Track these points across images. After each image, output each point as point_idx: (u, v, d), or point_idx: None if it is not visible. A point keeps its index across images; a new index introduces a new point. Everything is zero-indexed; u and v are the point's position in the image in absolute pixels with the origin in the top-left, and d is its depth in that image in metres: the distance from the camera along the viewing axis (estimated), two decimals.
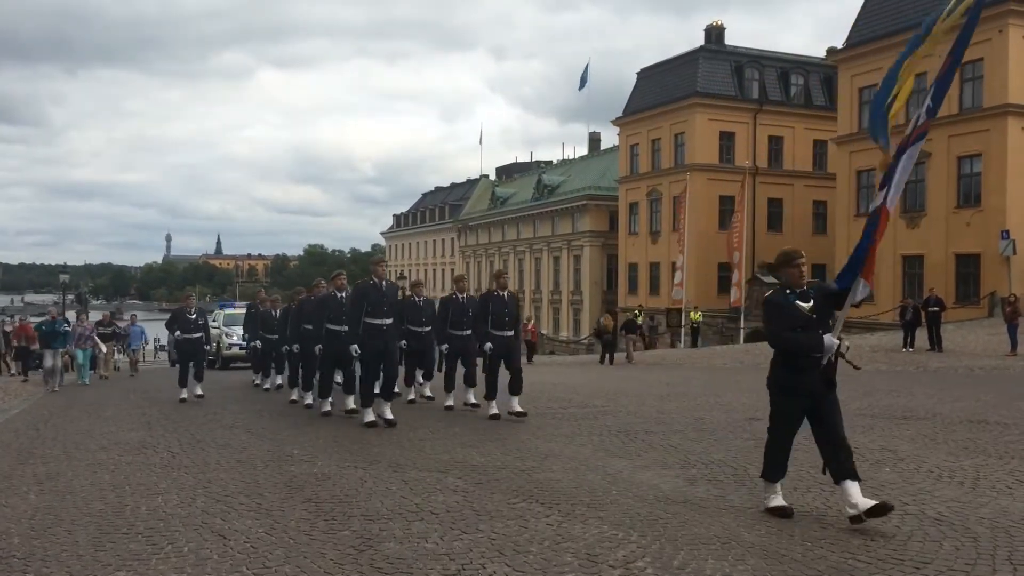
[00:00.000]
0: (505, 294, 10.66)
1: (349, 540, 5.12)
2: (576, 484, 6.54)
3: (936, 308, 20.91)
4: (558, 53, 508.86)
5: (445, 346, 11.61)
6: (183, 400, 13.11)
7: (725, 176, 41.59)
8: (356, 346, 9.92)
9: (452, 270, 66.69)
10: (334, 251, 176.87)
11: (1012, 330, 18.84)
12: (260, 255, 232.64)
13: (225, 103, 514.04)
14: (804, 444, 8.22)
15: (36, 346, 20.03)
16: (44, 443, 9.14)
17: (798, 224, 43.33)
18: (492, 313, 10.40)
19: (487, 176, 78.02)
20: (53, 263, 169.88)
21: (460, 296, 11.51)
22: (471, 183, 77.74)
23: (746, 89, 43.50)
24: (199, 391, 13.49)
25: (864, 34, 33.55)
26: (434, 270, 74.74)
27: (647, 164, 46.39)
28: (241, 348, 20.98)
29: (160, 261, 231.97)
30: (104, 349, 19.92)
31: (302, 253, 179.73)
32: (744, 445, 8.28)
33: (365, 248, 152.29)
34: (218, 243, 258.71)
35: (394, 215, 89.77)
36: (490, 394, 10.54)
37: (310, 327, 11.92)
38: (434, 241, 76.75)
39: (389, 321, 9.95)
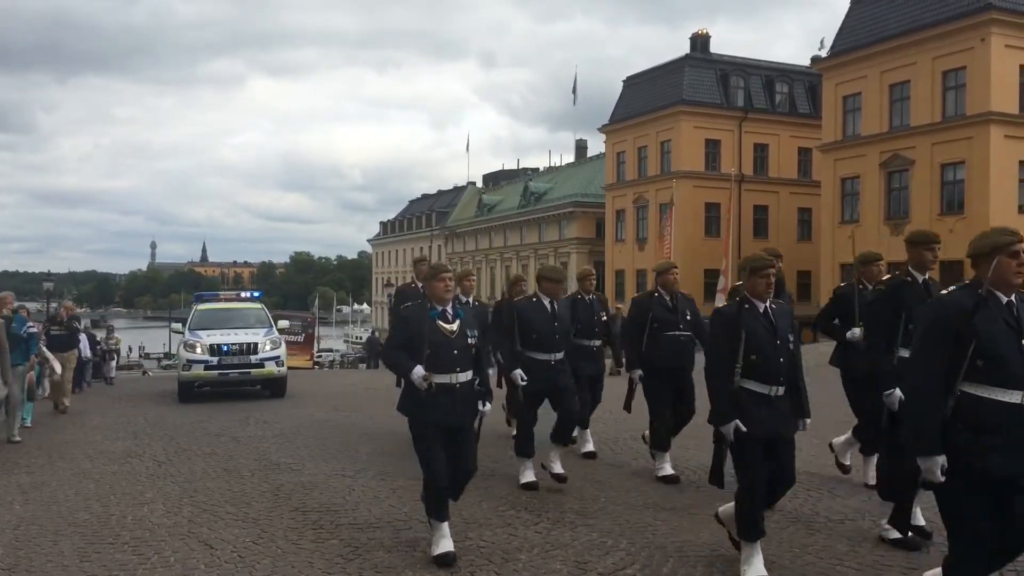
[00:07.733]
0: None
1: (337, 549, 5.10)
2: (565, 491, 6.54)
3: None
4: (547, 62, 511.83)
5: None
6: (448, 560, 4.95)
7: (711, 183, 41.78)
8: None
9: None
10: (320, 258, 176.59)
11: None
12: (246, 262, 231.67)
13: (216, 110, 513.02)
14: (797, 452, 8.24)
15: None
16: (28, 452, 9.06)
17: (783, 231, 43.53)
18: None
19: (474, 183, 78.05)
20: (37, 271, 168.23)
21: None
22: (458, 190, 77.79)
23: (731, 97, 43.71)
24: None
25: (848, 43, 33.82)
26: None
27: (633, 171, 46.51)
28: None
29: (145, 268, 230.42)
30: (58, 369, 12.69)
31: (288, 260, 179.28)
32: None
33: (352, 255, 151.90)
34: (203, 250, 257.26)
35: (381, 222, 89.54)
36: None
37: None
38: (421, 248, 76.48)
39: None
